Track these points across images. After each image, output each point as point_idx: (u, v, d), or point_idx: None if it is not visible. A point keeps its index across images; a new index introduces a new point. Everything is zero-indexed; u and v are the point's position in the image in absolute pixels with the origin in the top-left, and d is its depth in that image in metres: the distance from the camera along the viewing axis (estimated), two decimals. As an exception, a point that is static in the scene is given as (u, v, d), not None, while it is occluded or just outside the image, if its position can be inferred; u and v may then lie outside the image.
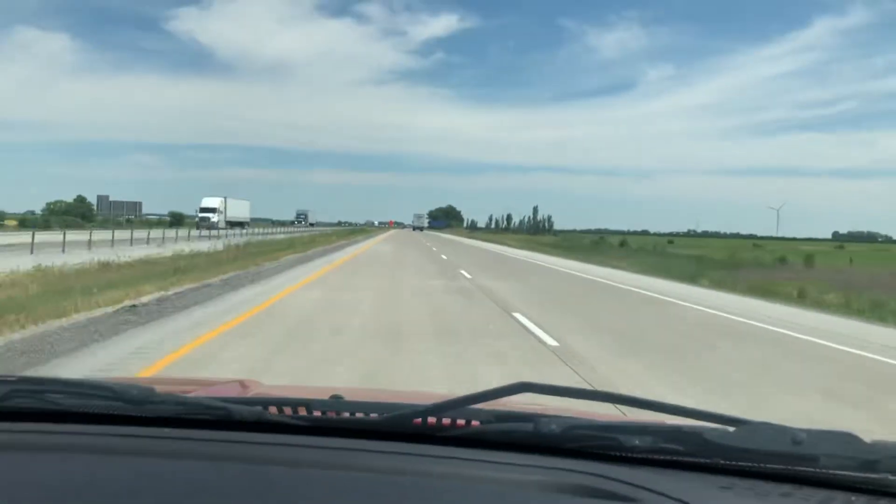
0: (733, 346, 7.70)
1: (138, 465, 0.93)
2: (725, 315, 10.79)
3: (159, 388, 1.13)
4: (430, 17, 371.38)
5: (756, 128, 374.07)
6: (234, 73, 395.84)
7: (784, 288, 15.45)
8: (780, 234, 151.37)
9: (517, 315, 9.02)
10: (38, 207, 77.34)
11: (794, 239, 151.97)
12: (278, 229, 65.42)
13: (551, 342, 6.97)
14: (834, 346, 8.00)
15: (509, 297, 11.53)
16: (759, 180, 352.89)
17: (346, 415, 1.07)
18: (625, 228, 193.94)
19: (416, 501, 0.86)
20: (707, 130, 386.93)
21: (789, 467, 0.92)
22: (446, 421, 1.03)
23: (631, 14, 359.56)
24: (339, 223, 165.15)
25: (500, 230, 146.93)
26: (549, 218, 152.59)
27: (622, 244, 62.57)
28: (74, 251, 19.05)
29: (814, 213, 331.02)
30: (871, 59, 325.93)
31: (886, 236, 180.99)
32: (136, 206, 53.80)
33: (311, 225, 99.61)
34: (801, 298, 13.67)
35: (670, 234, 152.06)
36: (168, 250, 21.42)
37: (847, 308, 12.23)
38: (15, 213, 71.57)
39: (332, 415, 1.06)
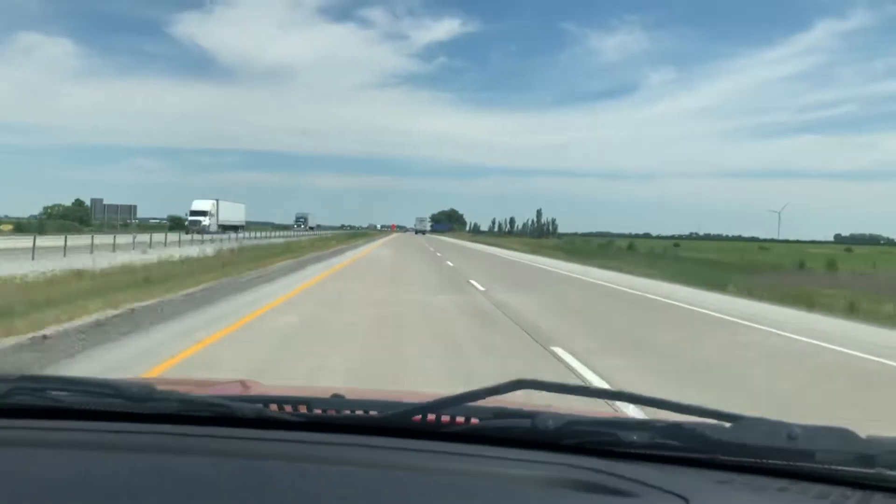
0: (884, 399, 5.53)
1: (139, 461, 0.94)
2: (810, 342, 8.46)
3: (160, 387, 1.13)
4: (433, 21, 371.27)
5: (758, 130, 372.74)
6: (237, 78, 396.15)
7: (827, 297, 14.01)
8: (781, 237, 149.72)
9: (559, 352, 6.65)
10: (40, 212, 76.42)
11: (797, 241, 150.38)
12: (276, 233, 62.67)
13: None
14: None
15: (539, 321, 9.17)
16: (760, 183, 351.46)
17: (347, 412, 1.07)
18: (627, 231, 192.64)
19: (415, 496, 0.86)
20: (709, 133, 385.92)
21: (785, 462, 0.93)
22: (445, 418, 1.04)
23: (632, 17, 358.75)
24: (342, 227, 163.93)
25: (504, 234, 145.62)
26: (553, 221, 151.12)
27: (630, 247, 61.35)
28: (51, 257, 17.89)
29: (815, 216, 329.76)
30: (872, 61, 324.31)
31: (889, 238, 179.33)
32: (130, 210, 52.07)
33: (311, 228, 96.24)
34: (853, 311, 12.06)
35: (672, 237, 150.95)
36: (154, 256, 20.20)
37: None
38: (19, 218, 70.54)
39: (332, 412, 1.07)
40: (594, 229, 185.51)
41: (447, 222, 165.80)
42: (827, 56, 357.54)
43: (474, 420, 1.04)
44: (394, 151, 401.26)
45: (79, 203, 70.96)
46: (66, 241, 20.49)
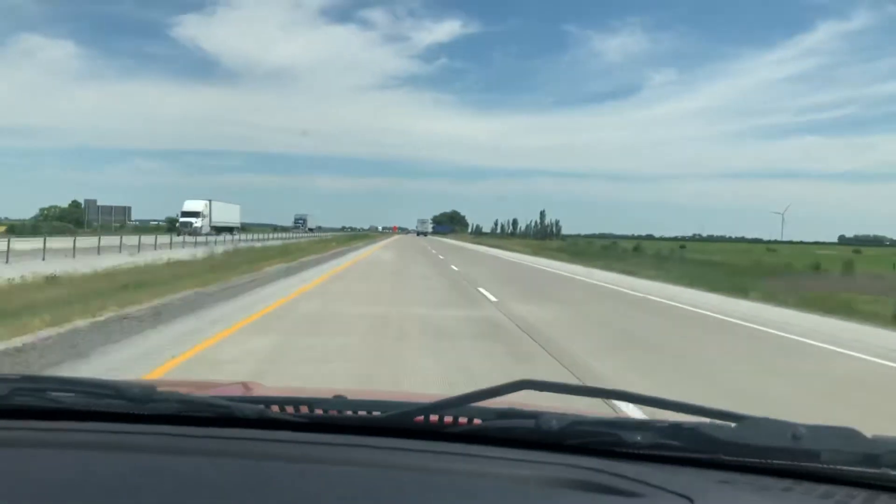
0: None
1: (141, 461, 0.94)
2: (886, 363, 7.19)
3: (160, 388, 1.13)
4: (434, 22, 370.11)
5: (760, 132, 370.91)
6: (238, 80, 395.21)
7: (865, 304, 12.88)
8: (785, 238, 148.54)
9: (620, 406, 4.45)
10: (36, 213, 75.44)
11: (800, 243, 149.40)
12: (274, 235, 61.02)
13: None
14: None
15: (575, 347, 7.31)
16: (763, 184, 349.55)
17: (349, 413, 1.07)
18: (630, 233, 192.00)
19: (418, 496, 0.86)
20: (711, 134, 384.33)
21: (790, 462, 0.93)
22: (448, 419, 1.04)
23: (634, 19, 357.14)
24: (343, 228, 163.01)
25: (507, 235, 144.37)
26: (557, 223, 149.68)
27: (636, 249, 60.27)
28: (30, 261, 16.85)
29: (819, 217, 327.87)
30: (874, 62, 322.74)
31: (893, 240, 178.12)
32: (125, 211, 51.27)
33: (311, 230, 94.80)
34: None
35: (676, 239, 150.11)
36: (142, 259, 19.16)
37: None
38: (20, 219, 69.54)
39: (333, 413, 1.07)
40: (597, 231, 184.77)
41: (449, 224, 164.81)
42: (829, 57, 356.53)
43: (477, 420, 1.04)
44: (395, 153, 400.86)
45: (75, 205, 70.01)
46: (44, 243, 19.31)
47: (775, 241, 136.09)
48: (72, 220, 62.39)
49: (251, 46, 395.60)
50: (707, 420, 0.98)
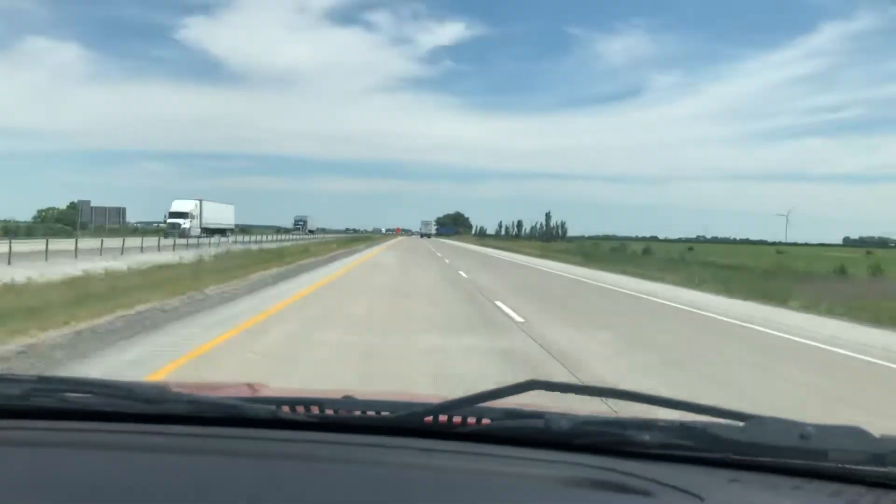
0: None
1: (156, 461, 0.94)
2: None
3: (173, 389, 1.14)
4: (437, 25, 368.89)
5: (764, 133, 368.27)
6: (244, 82, 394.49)
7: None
8: (789, 240, 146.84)
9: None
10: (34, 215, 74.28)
11: (806, 244, 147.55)
12: (272, 237, 58.43)
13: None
14: None
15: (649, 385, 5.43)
16: (767, 186, 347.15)
17: (358, 413, 1.07)
18: (634, 234, 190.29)
19: (430, 495, 0.87)
20: (715, 136, 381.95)
21: (798, 461, 0.93)
22: (457, 419, 1.04)
23: (638, 21, 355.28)
24: (347, 230, 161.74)
25: (511, 237, 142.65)
26: (563, 224, 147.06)
27: (646, 252, 58.73)
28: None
29: (823, 219, 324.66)
30: (878, 64, 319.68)
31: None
32: (119, 212, 49.69)
33: (311, 232, 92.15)
34: None
35: (680, 240, 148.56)
36: (123, 263, 17.74)
37: None
38: (13, 221, 68.27)
39: (343, 413, 1.07)
40: (600, 232, 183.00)
41: (452, 226, 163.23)
42: (833, 59, 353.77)
43: (485, 420, 1.04)
44: (399, 155, 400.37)
45: (73, 206, 68.67)
46: (10, 246, 17.83)
47: (780, 243, 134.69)
48: (70, 221, 61.12)
49: (256, 49, 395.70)
50: (715, 420, 0.98)
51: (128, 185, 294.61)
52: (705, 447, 0.95)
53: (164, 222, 53.00)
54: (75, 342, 5.97)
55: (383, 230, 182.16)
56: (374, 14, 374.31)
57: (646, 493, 0.86)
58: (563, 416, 1.02)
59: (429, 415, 1.04)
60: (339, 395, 1.13)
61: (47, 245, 19.56)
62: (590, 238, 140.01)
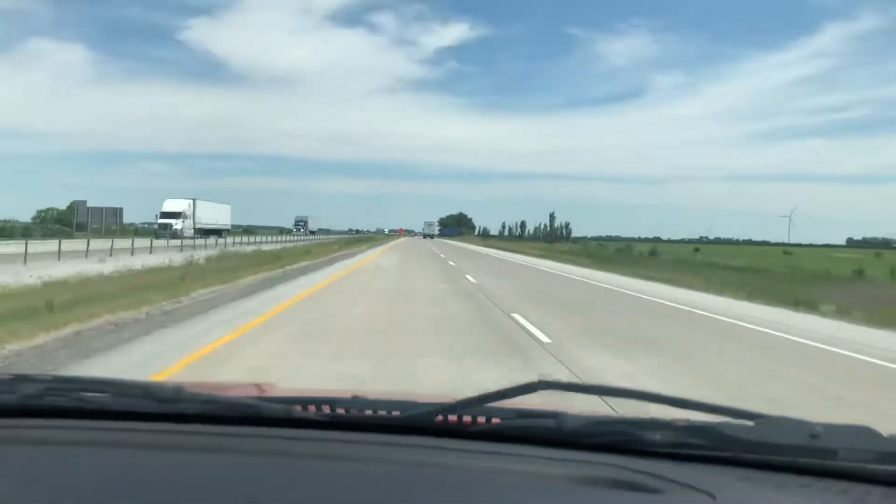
0: None
1: (171, 459, 0.95)
2: None
3: (189, 389, 1.14)
4: (441, 26, 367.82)
5: (767, 134, 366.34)
6: (247, 83, 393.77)
7: None
8: (792, 241, 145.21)
9: None
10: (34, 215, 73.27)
11: (810, 245, 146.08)
12: (272, 238, 56.68)
13: None
14: None
15: None
16: (770, 186, 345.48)
17: (369, 412, 1.08)
18: (636, 235, 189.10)
19: (441, 492, 0.87)
20: (718, 137, 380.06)
21: (808, 460, 0.93)
22: (467, 419, 1.05)
23: (640, 22, 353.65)
24: (349, 231, 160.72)
25: (515, 238, 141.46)
26: (567, 225, 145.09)
27: (652, 253, 57.50)
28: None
29: (826, 220, 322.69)
30: (882, 64, 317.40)
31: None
32: (116, 213, 48.46)
33: (312, 233, 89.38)
34: None
35: (683, 241, 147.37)
36: (108, 266, 16.74)
37: None
38: (19, 222, 67.38)
39: (355, 412, 1.08)
40: (603, 233, 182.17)
41: (455, 226, 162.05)
42: (836, 59, 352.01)
43: (495, 420, 1.04)
44: (402, 156, 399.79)
45: (72, 207, 67.85)
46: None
47: (783, 244, 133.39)
48: (69, 222, 60.20)
49: (259, 50, 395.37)
50: (725, 419, 0.99)
51: (130, 185, 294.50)
52: (715, 446, 0.96)
53: (155, 223, 51.31)
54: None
55: (386, 231, 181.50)
56: (378, 15, 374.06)
57: (658, 491, 0.86)
58: (574, 415, 1.03)
59: (439, 414, 1.04)
60: (347, 395, 1.13)
61: (26, 247, 18.50)
62: (593, 239, 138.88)
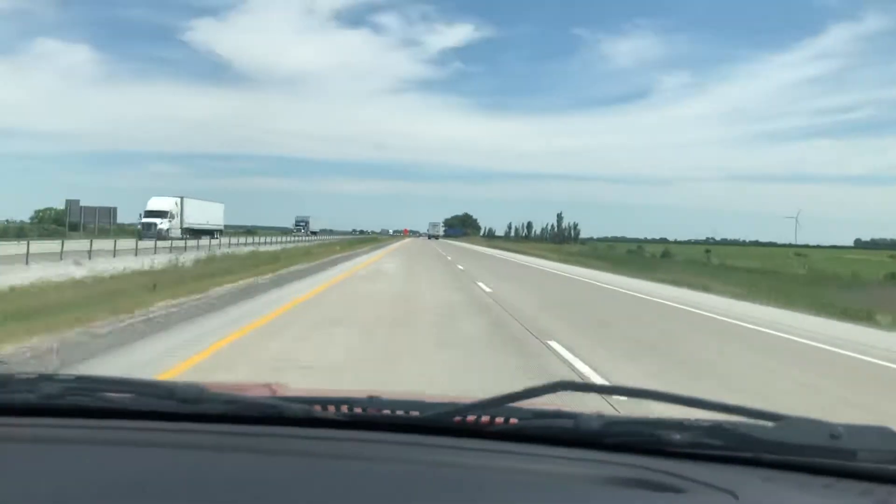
0: None
1: (194, 458, 0.95)
2: None
3: (212, 390, 1.14)
4: (446, 26, 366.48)
5: (773, 135, 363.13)
6: (252, 84, 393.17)
7: None
8: (799, 242, 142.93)
9: None
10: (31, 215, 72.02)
11: (818, 246, 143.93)
12: (272, 239, 54.00)
13: None
14: None
15: None
16: (776, 187, 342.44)
17: (387, 412, 1.07)
18: (642, 236, 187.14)
19: (461, 491, 0.87)
20: (724, 137, 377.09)
21: (828, 461, 0.93)
22: (485, 419, 1.04)
23: (645, 22, 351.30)
24: (354, 231, 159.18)
25: (521, 239, 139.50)
26: (576, 226, 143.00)
27: (664, 255, 55.93)
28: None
29: (833, 220, 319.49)
30: (887, 65, 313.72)
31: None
32: (110, 212, 46.93)
33: (314, 233, 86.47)
34: None
35: (689, 242, 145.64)
36: (81, 271, 15.26)
37: None
38: (21, 222, 66.00)
39: (374, 412, 1.07)
40: (609, 234, 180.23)
41: (460, 227, 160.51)
42: (842, 60, 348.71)
43: (513, 420, 1.03)
44: (407, 156, 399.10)
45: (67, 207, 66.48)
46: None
47: (790, 245, 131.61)
48: (65, 222, 58.90)
49: (264, 50, 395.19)
50: (745, 420, 0.98)
51: (134, 186, 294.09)
52: (735, 446, 0.95)
53: (130, 223, 48.45)
54: None
55: (391, 231, 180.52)
56: (383, 16, 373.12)
57: (680, 491, 0.86)
58: (593, 416, 1.02)
59: (457, 414, 1.04)
60: (364, 396, 1.12)
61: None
62: (599, 240, 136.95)
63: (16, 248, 21.47)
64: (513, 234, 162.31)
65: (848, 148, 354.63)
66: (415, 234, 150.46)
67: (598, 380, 5.92)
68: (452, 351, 6.93)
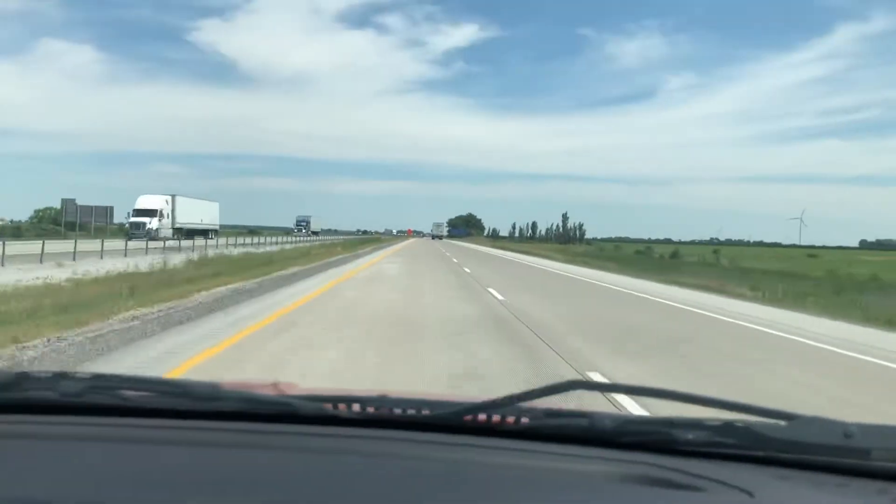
0: None
1: (211, 455, 0.96)
2: None
3: (226, 387, 1.15)
4: (451, 27, 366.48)
5: (779, 135, 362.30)
6: (257, 84, 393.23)
7: None
8: (804, 243, 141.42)
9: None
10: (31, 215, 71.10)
11: (824, 247, 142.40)
12: (270, 239, 51.66)
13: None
14: None
15: None
16: (781, 187, 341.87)
17: (399, 411, 1.07)
18: (647, 237, 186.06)
19: (476, 489, 0.86)
20: (729, 138, 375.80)
21: (842, 460, 0.93)
22: (497, 418, 1.04)
23: (651, 23, 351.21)
24: (357, 231, 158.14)
25: (526, 239, 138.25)
26: (581, 226, 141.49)
27: (673, 256, 54.61)
28: None
29: (838, 221, 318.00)
30: (894, 65, 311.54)
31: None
32: (106, 212, 45.62)
33: (315, 233, 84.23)
34: None
35: (693, 243, 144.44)
36: (65, 272, 14.08)
37: None
38: (20, 221, 64.93)
39: (385, 410, 1.07)
40: (613, 234, 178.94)
41: (465, 227, 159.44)
42: (849, 60, 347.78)
43: (525, 420, 1.03)
44: (411, 156, 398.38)
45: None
46: None
47: (795, 245, 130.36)
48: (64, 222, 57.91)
49: (269, 51, 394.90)
50: (758, 419, 0.97)
51: (137, 186, 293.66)
52: (749, 445, 0.95)
53: (126, 222, 45.50)
54: None
55: (394, 231, 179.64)
56: (387, 16, 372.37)
57: (696, 489, 0.86)
58: (607, 415, 1.02)
59: (469, 413, 1.03)
60: (374, 395, 1.11)
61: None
62: (604, 240, 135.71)
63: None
64: (517, 234, 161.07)
65: (852, 148, 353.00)
66: (419, 234, 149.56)
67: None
68: (468, 390, 5.19)
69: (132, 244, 26.26)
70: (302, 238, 63.79)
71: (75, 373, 1.14)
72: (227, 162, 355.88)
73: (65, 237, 37.83)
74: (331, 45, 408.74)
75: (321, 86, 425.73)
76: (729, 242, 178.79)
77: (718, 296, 16.31)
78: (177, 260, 17.46)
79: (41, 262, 17.61)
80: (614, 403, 3.88)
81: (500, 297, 13.10)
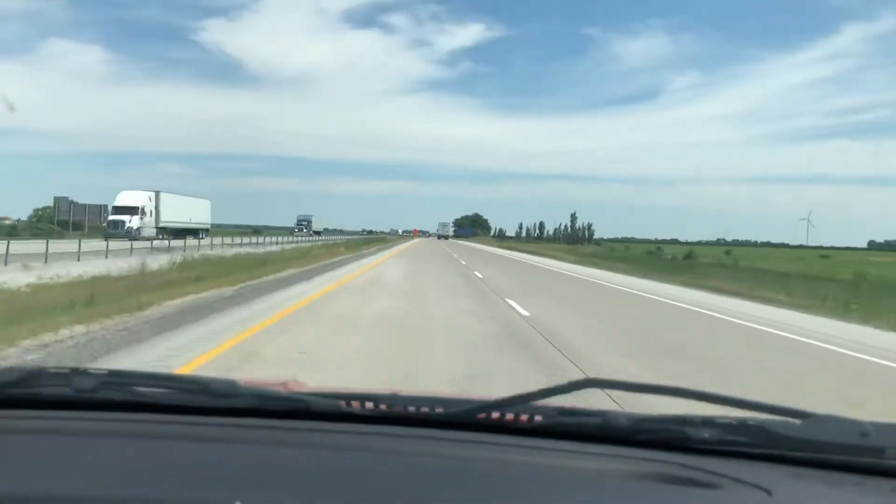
0: None
1: (227, 452, 0.95)
2: None
3: (241, 384, 1.15)
4: (457, 26, 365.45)
5: (786, 135, 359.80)
6: (262, 84, 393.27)
7: None
8: (812, 244, 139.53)
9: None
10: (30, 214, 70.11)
11: (832, 248, 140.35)
12: (270, 239, 49.19)
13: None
14: None
15: None
16: (788, 188, 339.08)
17: (413, 409, 1.07)
18: (653, 237, 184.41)
19: (495, 486, 0.86)
20: (736, 138, 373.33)
21: (858, 458, 0.93)
22: (510, 416, 1.04)
23: (657, 22, 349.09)
24: (362, 231, 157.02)
25: (533, 239, 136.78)
26: (590, 226, 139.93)
27: (687, 257, 53.18)
28: None
29: (845, 222, 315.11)
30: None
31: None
32: (100, 210, 44.58)
33: (317, 233, 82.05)
34: None
35: (700, 243, 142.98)
36: (30, 276, 12.82)
37: None
38: (19, 220, 63.98)
39: (399, 408, 1.07)
40: (619, 234, 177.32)
41: (471, 227, 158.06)
42: (857, 60, 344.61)
43: (538, 418, 1.03)
44: (417, 156, 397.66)
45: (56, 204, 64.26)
46: None
47: (802, 246, 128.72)
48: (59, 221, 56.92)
49: (275, 51, 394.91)
50: (773, 417, 0.97)
51: (140, 185, 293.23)
52: (763, 443, 0.95)
53: (105, 220, 42.39)
54: None
55: (400, 231, 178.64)
56: (393, 16, 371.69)
57: (713, 487, 0.85)
58: (621, 413, 1.02)
59: (482, 411, 1.03)
60: (387, 392, 1.11)
61: None
62: (611, 240, 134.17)
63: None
64: (524, 234, 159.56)
65: (860, 149, 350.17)
66: (424, 234, 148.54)
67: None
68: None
69: (119, 245, 24.58)
70: (304, 238, 62.27)
71: (90, 369, 1.14)
72: (231, 162, 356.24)
73: (62, 236, 36.83)
74: (336, 44, 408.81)
75: (326, 86, 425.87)
76: (736, 243, 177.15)
77: (754, 302, 14.79)
78: (161, 262, 16.16)
79: (6, 263, 16.25)
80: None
81: (522, 310, 10.73)
